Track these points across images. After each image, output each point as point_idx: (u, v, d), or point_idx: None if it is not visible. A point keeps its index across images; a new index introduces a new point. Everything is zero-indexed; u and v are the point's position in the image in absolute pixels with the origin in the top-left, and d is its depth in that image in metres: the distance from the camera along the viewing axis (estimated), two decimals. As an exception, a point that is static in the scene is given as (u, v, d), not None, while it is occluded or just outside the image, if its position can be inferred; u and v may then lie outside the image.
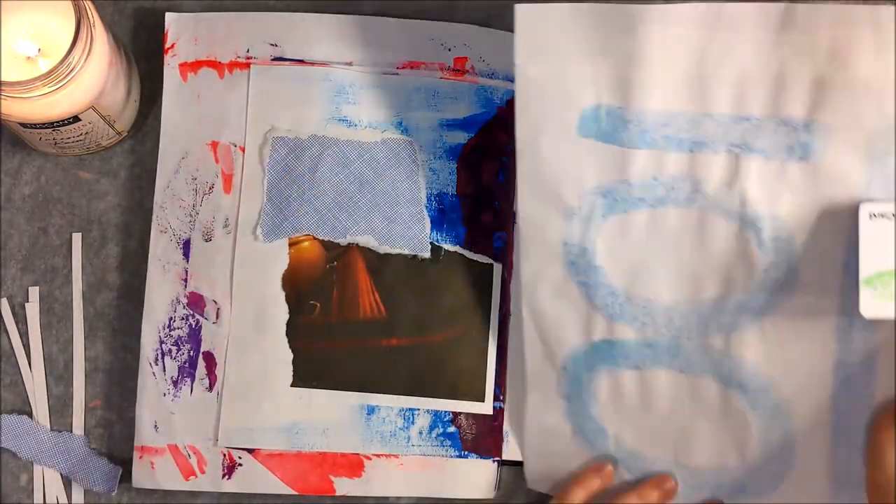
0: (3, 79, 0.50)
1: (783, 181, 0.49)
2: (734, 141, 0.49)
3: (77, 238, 0.59)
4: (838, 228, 0.49)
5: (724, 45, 0.47)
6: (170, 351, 0.58)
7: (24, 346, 0.58)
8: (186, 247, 0.59)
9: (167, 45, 0.60)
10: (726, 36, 0.47)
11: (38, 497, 0.58)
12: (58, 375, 0.59)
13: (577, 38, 0.49)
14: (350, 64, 0.60)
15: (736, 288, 0.51)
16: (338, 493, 0.58)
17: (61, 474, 0.58)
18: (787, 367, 0.52)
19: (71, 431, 0.58)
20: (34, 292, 0.59)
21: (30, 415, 0.58)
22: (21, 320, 0.59)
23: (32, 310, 0.59)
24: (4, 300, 0.59)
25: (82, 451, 0.58)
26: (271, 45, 0.60)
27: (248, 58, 0.60)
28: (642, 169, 0.50)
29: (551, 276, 0.54)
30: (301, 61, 0.60)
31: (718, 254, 0.51)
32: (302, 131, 0.59)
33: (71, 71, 0.50)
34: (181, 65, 0.60)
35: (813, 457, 0.53)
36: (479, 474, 0.58)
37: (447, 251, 0.59)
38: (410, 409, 0.58)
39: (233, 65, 0.60)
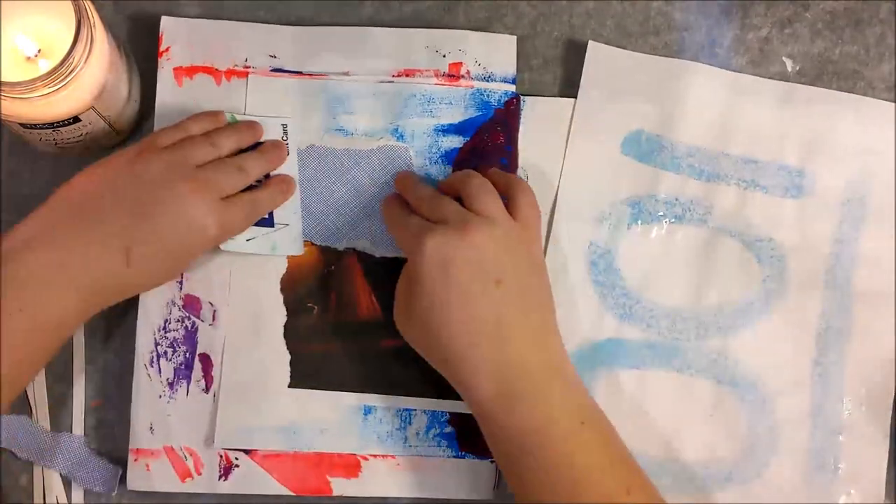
0: (3, 79, 0.49)
1: (780, 213, 0.60)
2: (743, 177, 0.61)
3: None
4: (820, 251, 0.60)
5: (743, 105, 0.61)
6: (165, 353, 0.58)
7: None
8: (182, 249, 0.59)
9: (161, 49, 0.60)
10: (745, 98, 0.61)
11: (38, 497, 0.58)
12: (58, 375, 0.59)
13: (633, 76, 0.61)
14: (346, 74, 0.60)
15: (736, 295, 0.60)
16: (335, 494, 0.58)
17: (61, 474, 0.58)
18: (775, 364, 0.59)
19: (71, 431, 0.58)
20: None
21: (30, 415, 0.58)
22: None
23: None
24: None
25: (82, 451, 0.58)
26: (270, 56, 0.60)
27: (247, 67, 0.60)
28: (668, 188, 0.60)
29: (572, 273, 0.59)
30: (299, 73, 0.60)
31: (723, 266, 0.60)
32: (300, 142, 0.59)
33: (71, 71, 0.50)
34: (175, 69, 0.59)
35: (795, 443, 0.59)
36: (476, 475, 0.58)
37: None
38: (407, 410, 0.58)
39: (230, 73, 0.60)
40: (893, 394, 0.59)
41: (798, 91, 0.61)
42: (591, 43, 0.61)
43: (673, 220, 0.60)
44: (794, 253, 0.60)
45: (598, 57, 0.61)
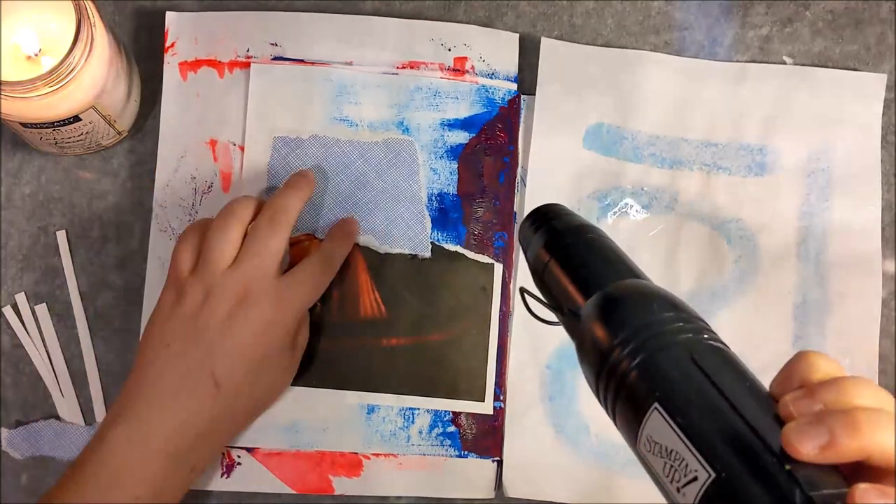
0: (3, 79, 0.49)
1: (744, 192, 0.61)
2: (705, 161, 0.61)
3: (62, 235, 0.59)
4: (789, 226, 0.60)
5: (697, 89, 0.61)
6: (170, 350, 0.58)
7: (36, 348, 0.58)
8: (186, 246, 0.58)
9: (167, 44, 0.60)
10: (699, 83, 0.61)
11: None
12: (70, 372, 0.58)
13: (589, 70, 0.61)
14: (350, 64, 0.60)
15: (709, 279, 0.60)
16: (336, 493, 0.58)
17: None
18: (754, 342, 0.59)
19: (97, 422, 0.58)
20: (31, 293, 0.59)
21: (57, 417, 0.58)
22: (25, 321, 0.58)
23: (42, 311, 0.58)
24: (8, 305, 0.58)
25: None
26: (271, 44, 0.60)
27: (249, 57, 0.60)
28: (633, 179, 0.60)
29: None
30: (301, 61, 0.60)
31: (694, 252, 0.60)
32: (303, 131, 0.59)
33: (71, 71, 0.50)
34: (181, 64, 0.60)
35: None
36: (478, 474, 0.58)
37: (448, 251, 0.59)
38: (410, 409, 0.58)
39: (233, 64, 0.60)
40: (877, 359, 0.60)
41: (750, 70, 0.61)
42: (544, 39, 0.60)
43: (640, 210, 0.60)
44: (763, 230, 0.60)
45: (553, 53, 0.60)
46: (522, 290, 0.42)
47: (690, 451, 0.30)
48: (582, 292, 0.39)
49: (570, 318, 0.39)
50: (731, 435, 0.30)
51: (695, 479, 0.29)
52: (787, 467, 0.28)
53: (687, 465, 0.30)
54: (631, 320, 0.35)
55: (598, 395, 0.36)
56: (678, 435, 0.30)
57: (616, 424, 0.35)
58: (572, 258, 0.42)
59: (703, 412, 0.31)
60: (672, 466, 0.30)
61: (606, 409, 0.36)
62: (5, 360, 0.58)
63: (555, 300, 0.42)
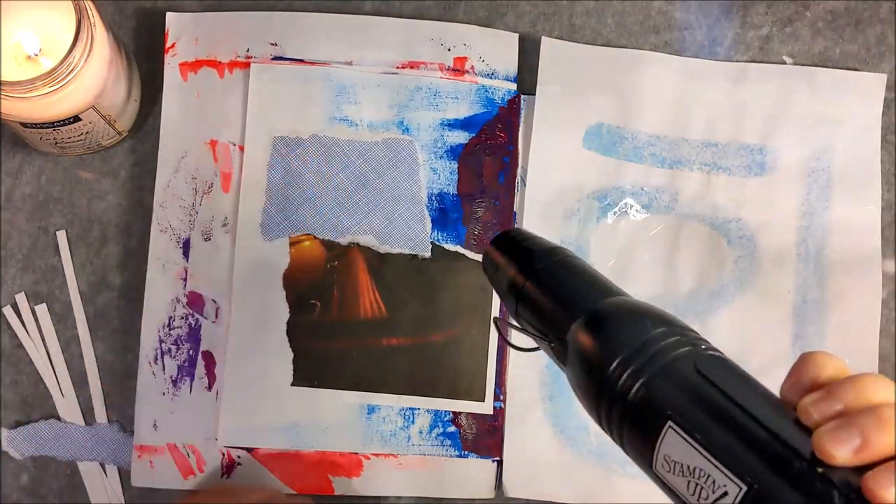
0: (3, 79, 0.49)
1: (745, 192, 0.61)
2: (705, 161, 0.61)
3: (62, 235, 0.59)
4: (789, 226, 0.60)
5: (698, 89, 0.61)
6: (169, 350, 0.58)
7: (36, 348, 0.58)
8: (186, 246, 0.59)
9: (168, 45, 0.60)
10: (699, 83, 0.61)
11: (93, 497, 0.57)
12: (70, 372, 0.58)
13: (589, 70, 0.61)
14: (350, 64, 0.60)
15: (710, 279, 0.60)
16: (336, 493, 0.58)
17: (102, 466, 0.58)
18: (754, 342, 0.59)
19: (95, 422, 0.58)
20: (31, 293, 0.59)
21: (57, 417, 0.58)
22: (25, 321, 0.58)
23: (42, 311, 0.58)
24: (8, 305, 0.58)
25: (117, 436, 0.58)
26: (271, 44, 0.60)
27: (249, 57, 0.60)
28: (633, 179, 0.60)
29: None
30: (301, 61, 0.60)
31: (694, 251, 0.60)
32: (303, 131, 0.59)
33: (72, 71, 0.50)
34: (181, 64, 0.60)
35: None
36: (478, 474, 0.58)
37: (448, 251, 0.59)
38: (411, 409, 0.58)
39: (233, 64, 0.60)
40: (877, 359, 0.60)
41: (750, 70, 0.61)
42: (544, 39, 0.60)
43: (640, 210, 0.60)
44: (763, 230, 0.60)
45: (553, 52, 0.60)
46: (496, 321, 0.41)
47: (716, 466, 0.29)
48: (566, 315, 0.38)
49: (556, 344, 0.38)
50: (756, 445, 0.29)
51: (725, 493, 0.29)
52: (820, 470, 0.28)
53: (714, 482, 0.29)
54: (627, 340, 0.34)
55: (599, 421, 0.35)
56: (699, 452, 0.30)
57: (624, 448, 0.34)
58: (550, 281, 0.40)
59: (721, 425, 0.30)
60: (697, 484, 0.29)
61: (611, 433, 0.35)
62: (5, 360, 0.58)
63: (535, 326, 0.40)
